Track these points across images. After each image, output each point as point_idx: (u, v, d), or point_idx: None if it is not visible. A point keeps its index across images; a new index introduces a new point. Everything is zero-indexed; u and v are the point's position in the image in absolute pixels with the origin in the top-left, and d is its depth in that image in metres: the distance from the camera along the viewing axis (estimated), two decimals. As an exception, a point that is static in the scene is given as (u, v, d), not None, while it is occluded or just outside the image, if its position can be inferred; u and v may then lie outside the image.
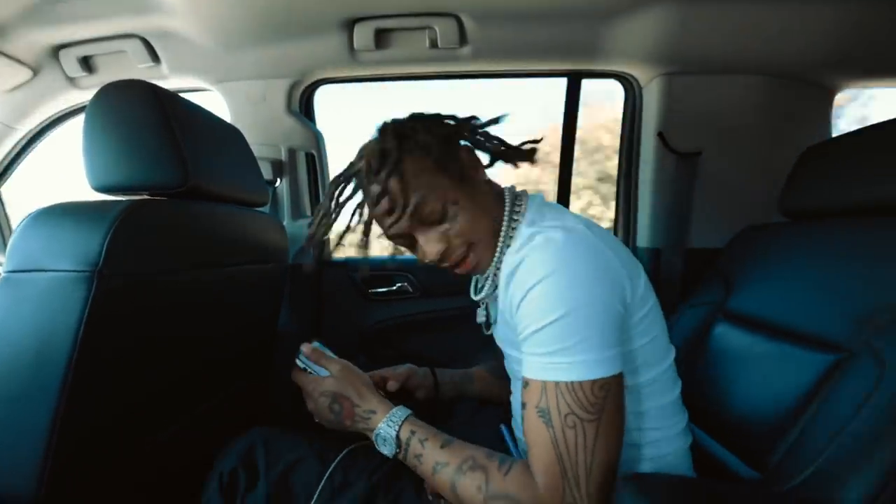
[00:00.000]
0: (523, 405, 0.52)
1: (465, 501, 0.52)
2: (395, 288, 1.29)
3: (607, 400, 0.48)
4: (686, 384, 0.67)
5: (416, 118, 0.63)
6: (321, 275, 1.29)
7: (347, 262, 1.34)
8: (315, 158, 1.22)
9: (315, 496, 0.59)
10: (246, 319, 0.95)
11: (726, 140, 1.10)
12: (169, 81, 1.18)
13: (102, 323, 0.56)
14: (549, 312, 0.49)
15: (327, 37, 1.03)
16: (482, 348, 1.16)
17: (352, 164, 0.64)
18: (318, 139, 1.22)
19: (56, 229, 0.58)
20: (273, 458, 0.63)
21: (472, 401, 0.89)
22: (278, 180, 1.22)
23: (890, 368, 0.52)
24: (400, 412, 0.61)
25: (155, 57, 1.11)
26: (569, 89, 1.20)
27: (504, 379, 0.90)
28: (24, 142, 1.34)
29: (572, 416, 0.47)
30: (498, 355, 0.93)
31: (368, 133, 0.67)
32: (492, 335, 0.84)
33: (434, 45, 1.03)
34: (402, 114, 0.66)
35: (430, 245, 0.60)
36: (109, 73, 1.14)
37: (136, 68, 1.13)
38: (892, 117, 0.70)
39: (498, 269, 0.64)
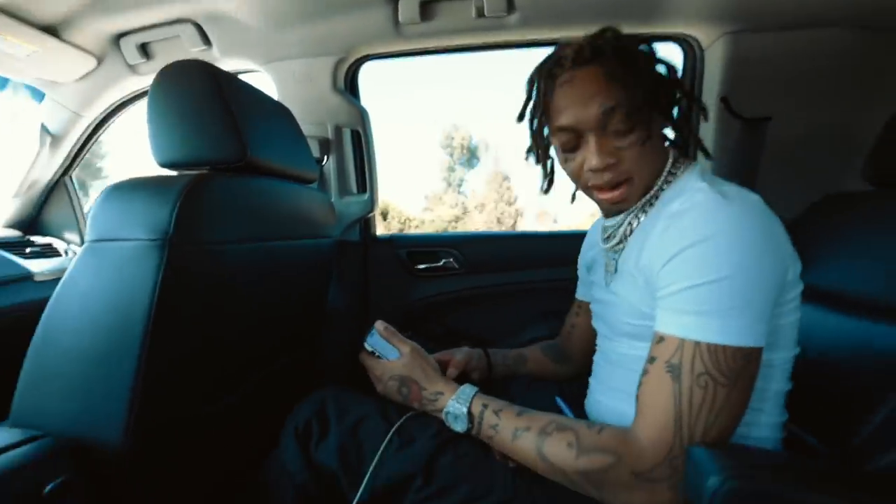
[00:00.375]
0: (651, 359, 0.50)
1: (553, 462, 0.52)
2: (440, 264, 1.29)
3: (745, 370, 0.47)
4: None
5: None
6: (368, 251, 1.31)
7: (393, 239, 1.35)
8: (361, 135, 1.23)
9: (382, 447, 0.61)
10: (299, 292, 0.98)
11: (800, 103, 1.01)
12: (220, 63, 1.21)
13: (174, 286, 0.59)
14: (711, 271, 0.47)
15: (372, 11, 1.02)
16: (529, 324, 1.15)
17: (550, 56, 0.60)
18: (363, 116, 1.22)
19: (129, 202, 0.61)
20: (343, 411, 0.66)
21: (525, 378, 0.88)
22: (325, 158, 1.23)
23: None
24: (468, 389, 0.63)
25: (206, 40, 1.14)
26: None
27: (556, 360, 0.89)
28: (90, 129, 1.43)
29: (706, 376, 0.46)
30: (558, 330, 0.92)
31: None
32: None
33: (480, 13, 1.00)
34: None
35: (601, 153, 0.56)
36: (165, 58, 1.19)
37: (190, 53, 1.17)
38: None
39: (638, 217, 0.62)
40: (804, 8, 0.93)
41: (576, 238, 1.41)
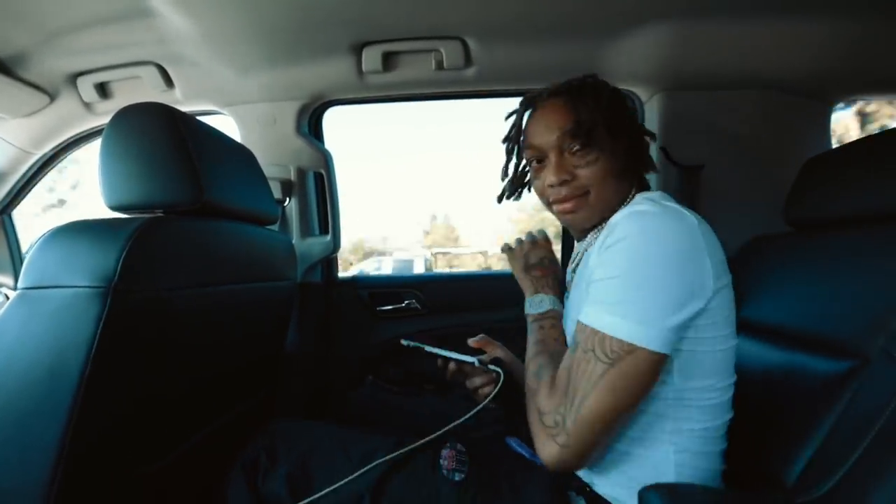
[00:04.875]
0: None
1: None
2: (403, 305, 1.29)
3: (625, 361, 0.50)
4: None
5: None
6: (329, 293, 1.30)
7: (356, 280, 1.34)
8: (324, 178, 1.24)
9: (336, 474, 0.62)
10: (255, 337, 0.95)
11: (728, 153, 1.12)
12: (182, 105, 1.21)
13: (116, 338, 0.56)
14: (612, 268, 0.53)
15: (337, 60, 1.06)
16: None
17: (534, 90, 0.71)
18: (326, 159, 1.24)
19: (73, 246, 0.59)
20: (293, 443, 0.66)
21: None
22: (287, 199, 1.23)
23: None
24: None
25: (169, 82, 1.14)
26: (571, 107, 1.23)
27: None
28: (36, 166, 1.37)
29: (591, 352, 0.52)
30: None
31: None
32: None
33: (440, 66, 1.07)
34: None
35: (558, 171, 0.65)
36: (125, 98, 1.18)
37: (151, 93, 1.17)
38: (890, 128, 0.72)
39: (592, 245, 0.68)
40: (722, 71, 1.05)
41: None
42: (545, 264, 0.77)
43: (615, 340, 0.51)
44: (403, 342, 0.79)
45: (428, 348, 0.76)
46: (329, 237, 1.26)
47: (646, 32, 0.96)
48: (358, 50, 1.04)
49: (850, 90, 1.11)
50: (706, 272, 0.53)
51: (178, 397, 0.73)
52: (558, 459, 0.52)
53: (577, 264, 0.71)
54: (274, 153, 1.22)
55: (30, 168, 1.35)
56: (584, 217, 0.67)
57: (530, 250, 0.79)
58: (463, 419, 0.64)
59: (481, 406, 0.65)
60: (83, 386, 0.54)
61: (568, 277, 0.78)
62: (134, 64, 1.10)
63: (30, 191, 1.42)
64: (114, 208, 0.70)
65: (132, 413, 0.63)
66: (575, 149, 0.64)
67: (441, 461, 0.64)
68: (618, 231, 0.54)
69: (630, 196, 0.68)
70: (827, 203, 0.78)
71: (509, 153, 0.75)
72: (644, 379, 0.51)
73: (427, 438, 0.64)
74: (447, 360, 0.76)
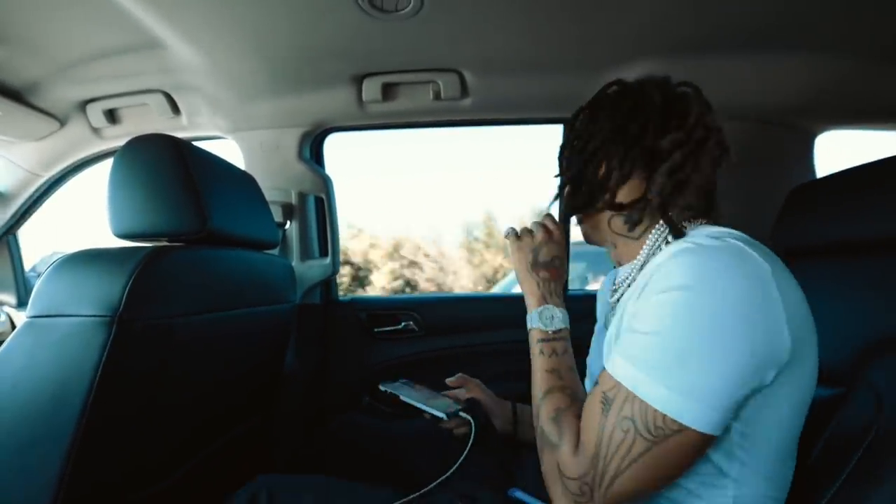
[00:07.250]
0: (596, 382, 0.50)
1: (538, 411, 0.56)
2: (401, 327, 1.30)
3: (672, 440, 0.43)
4: None
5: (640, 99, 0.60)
6: (328, 315, 1.31)
7: (354, 302, 1.36)
8: (324, 202, 1.27)
9: None
10: (255, 360, 0.96)
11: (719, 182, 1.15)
12: (187, 131, 1.25)
13: (119, 366, 0.58)
14: (666, 322, 0.44)
15: (338, 90, 1.10)
16: (489, 385, 1.16)
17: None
18: (326, 184, 1.27)
19: (80, 276, 0.61)
20: None
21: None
22: (288, 222, 1.26)
23: (888, 402, 0.53)
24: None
25: (176, 109, 1.18)
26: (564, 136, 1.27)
27: None
28: (43, 188, 1.40)
29: (630, 422, 0.44)
30: (518, 389, 0.88)
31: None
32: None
33: (437, 97, 1.10)
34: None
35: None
36: (132, 124, 1.21)
37: (158, 120, 1.20)
38: (875, 159, 0.75)
39: (635, 279, 0.59)
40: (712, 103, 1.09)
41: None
42: (556, 265, 0.64)
43: (661, 416, 0.42)
44: (381, 387, 0.82)
45: (403, 397, 0.77)
46: (328, 259, 1.28)
47: (634, 68, 1.01)
48: (358, 81, 1.08)
49: (833, 121, 1.15)
50: (780, 321, 0.43)
51: (177, 421, 0.74)
52: None
53: (621, 296, 0.60)
54: (276, 178, 1.25)
55: (37, 190, 1.38)
56: (597, 239, 0.67)
57: (543, 244, 0.64)
58: (443, 477, 0.62)
59: (458, 464, 0.63)
60: (86, 413, 0.55)
61: (603, 309, 0.70)
62: (142, 92, 1.14)
63: (35, 212, 1.45)
64: (120, 236, 0.72)
65: (133, 438, 0.64)
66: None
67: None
68: (673, 274, 0.45)
69: (654, 235, 0.59)
70: (812, 231, 0.80)
71: None
72: (690, 458, 0.45)
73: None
74: (420, 410, 0.76)
